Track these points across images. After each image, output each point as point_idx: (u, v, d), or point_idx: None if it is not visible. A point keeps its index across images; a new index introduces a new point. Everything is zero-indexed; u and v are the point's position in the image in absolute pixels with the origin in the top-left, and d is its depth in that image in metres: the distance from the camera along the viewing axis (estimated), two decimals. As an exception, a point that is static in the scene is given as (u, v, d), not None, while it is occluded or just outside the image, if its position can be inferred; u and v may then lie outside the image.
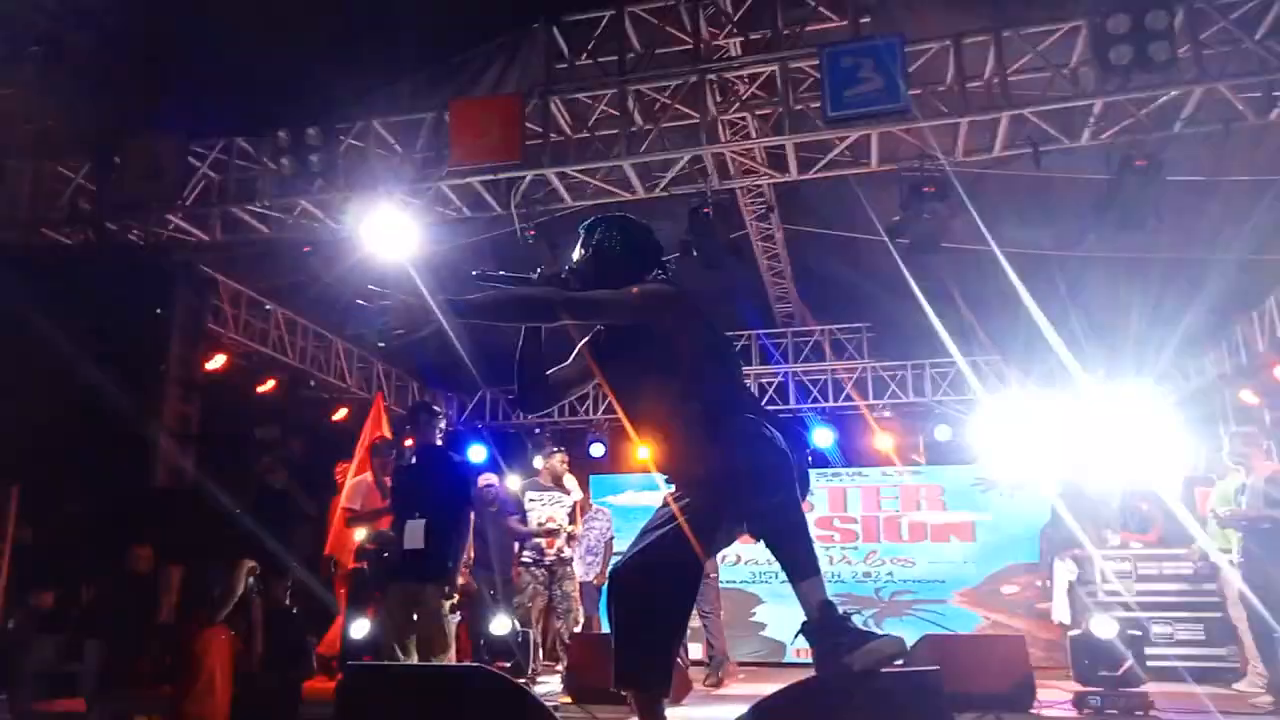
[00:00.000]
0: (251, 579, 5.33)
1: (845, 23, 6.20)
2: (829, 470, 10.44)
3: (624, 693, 2.88)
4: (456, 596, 5.15)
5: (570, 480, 7.77)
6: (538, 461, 10.61)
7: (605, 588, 2.97)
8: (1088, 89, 5.89)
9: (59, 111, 6.80)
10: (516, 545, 7.56)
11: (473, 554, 6.08)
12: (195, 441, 6.49)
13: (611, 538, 8.60)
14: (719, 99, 6.54)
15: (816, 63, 6.02)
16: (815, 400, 10.89)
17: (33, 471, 6.49)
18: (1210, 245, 7.30)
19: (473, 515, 5.53)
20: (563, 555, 7.37)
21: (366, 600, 6.58)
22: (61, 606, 7.76)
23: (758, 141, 6.60)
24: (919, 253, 6.48)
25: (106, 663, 6.17)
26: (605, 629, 5.65)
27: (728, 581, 10.01)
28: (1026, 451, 9.76)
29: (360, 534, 6.77)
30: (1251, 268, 7.46)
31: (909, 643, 2.97)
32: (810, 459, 2.83)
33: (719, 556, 7.67)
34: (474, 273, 2.86)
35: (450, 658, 5.08)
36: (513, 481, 9.26)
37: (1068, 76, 5.95)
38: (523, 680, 5.85)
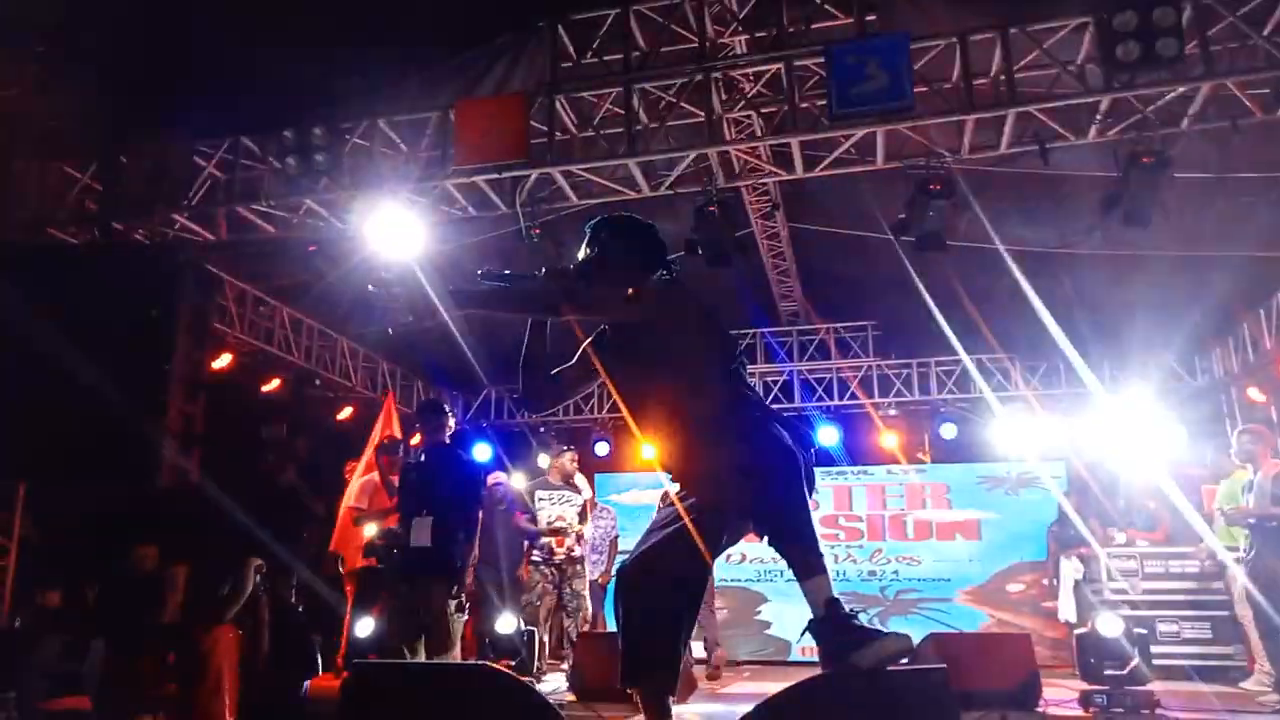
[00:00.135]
0: (258, 577, 5.33)
1: (850, 20, 6.18)
2: (834, 469, 10.42)
3: (630, 691, 2.88)
4: (464, 596, 5.16)
5: (580, 479, 7.78)
6: (542, 460, 10.63)
7: (612, 586, 2.98)
8: (1094, 86, 5.86)
9: (65, 112, 6.81)
10: (526, 544, 7.58)
11: (477, 553, 6.08)
12: (200, 441, 6.49)
13: (616, 536, 8.60)
14: (724, 97, 6.53)
15: (822, 61, 6.01)
16: (820, 399, 10.87)
17: (38, 471, 6.50)
18: (1217, 242, 7.27)
19: (481, 514, 5.54)
20: (573, 554, 7.37)
21: (373, 598, 6.58)
22: (67, 605, 7.79)
23: (763, 140, 6.59)
24: (924, 251, 6.46)
25: (111, 662, 6.18)
26: (611, 627, 5.64)
27: (733, 580, 10.03)
28: (1032, 450, 9.75)
29: (369, 531, 6.78)
30: (1258, 265, 7.43)
31: (914, 641, 2.96)
32: (815, 457, 2.82)
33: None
34: (479, 271, 2.86)
35: (455, 656, 5.08)
36: (517, 480, 9.27)
37: (1074, 73, 5.93)
38: (528, 679, 5.85)
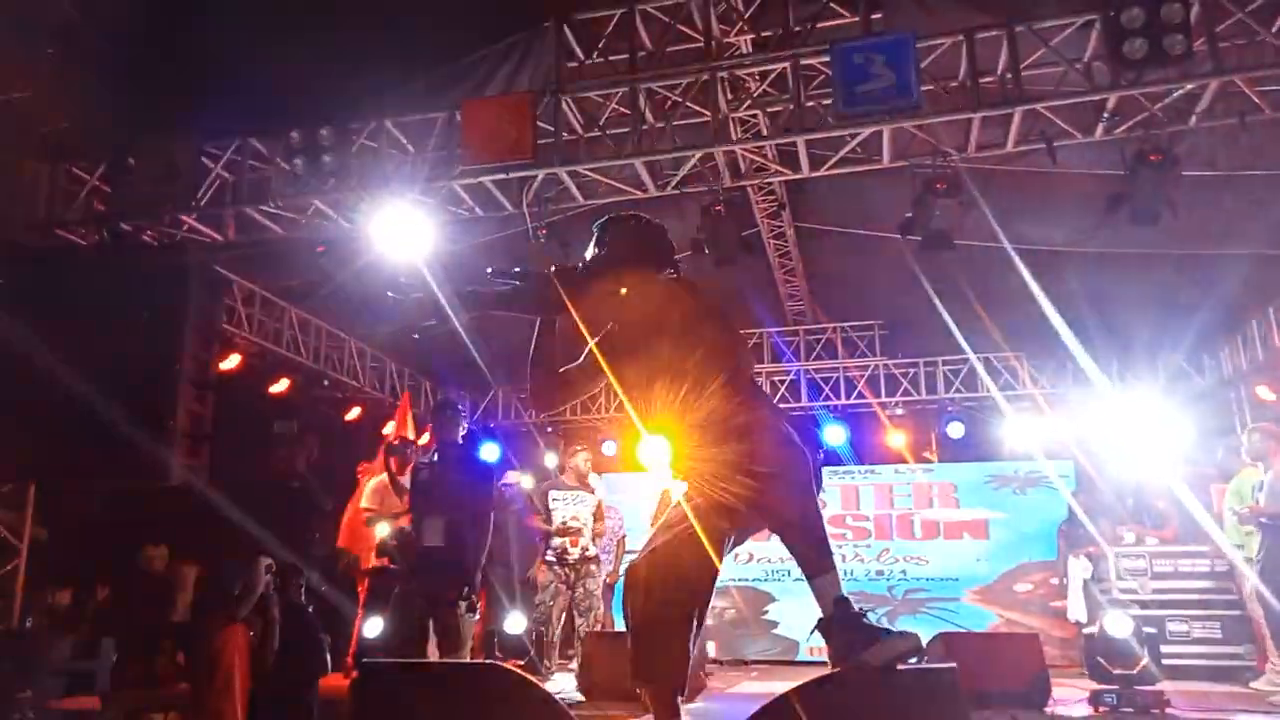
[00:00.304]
0: (269, 576, 5.35)
1: (856, 19, 6.17)
2: (841, 468, 10.41)
3: (639, 690, 2.89)
4: (475, 596, 5.17)
5: (594, 479, 7.81)
6: (549, 459, 10.66)
7: (620, 585, 2.98)
8: (1101, 83, 5.84)
9: (74, 113, 6.84)
10: (541, 544, 7.61)
11: (489, 553, 6.10)
12: (209, 441, 6.52)
13: (623, 536, 8.62)
14: (730, 96, 6.53)
15: (828, 60, 6.00)
16: (827, 398, 10.86)
17: (48, 471, 6.53)
18: (1225, 240, 7.25)
19: (493, 515, 5.54)
20: (587, 554, 7.40)
21: (385, 598, 6.61)
22: (78, 605, 7.83)
23: (769, 139, 6.59)
24: (931, 250, 6.45)
25: (122, 661, 6.21)
26: (619, 627, 5.65)
27: (740, 579, 10.03)
28: (1040, 449, 9.72)
29: (381, 530, 6.80)
30: (1267, 262, 7.40)
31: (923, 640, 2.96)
32: (823, 456, 2.83)
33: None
34: (488, 269, 2.87)
35: (465, 656, 5.09)
36: (526, 480, 9.29)
37: (1081, 71, 5.91)
38: (536, 678, 5.85)
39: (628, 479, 10.59)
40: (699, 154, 6.54)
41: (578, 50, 6.58)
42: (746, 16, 6.44)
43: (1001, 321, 8.71)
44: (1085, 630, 6.54)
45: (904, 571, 10.00)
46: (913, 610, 9.79)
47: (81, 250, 7.07)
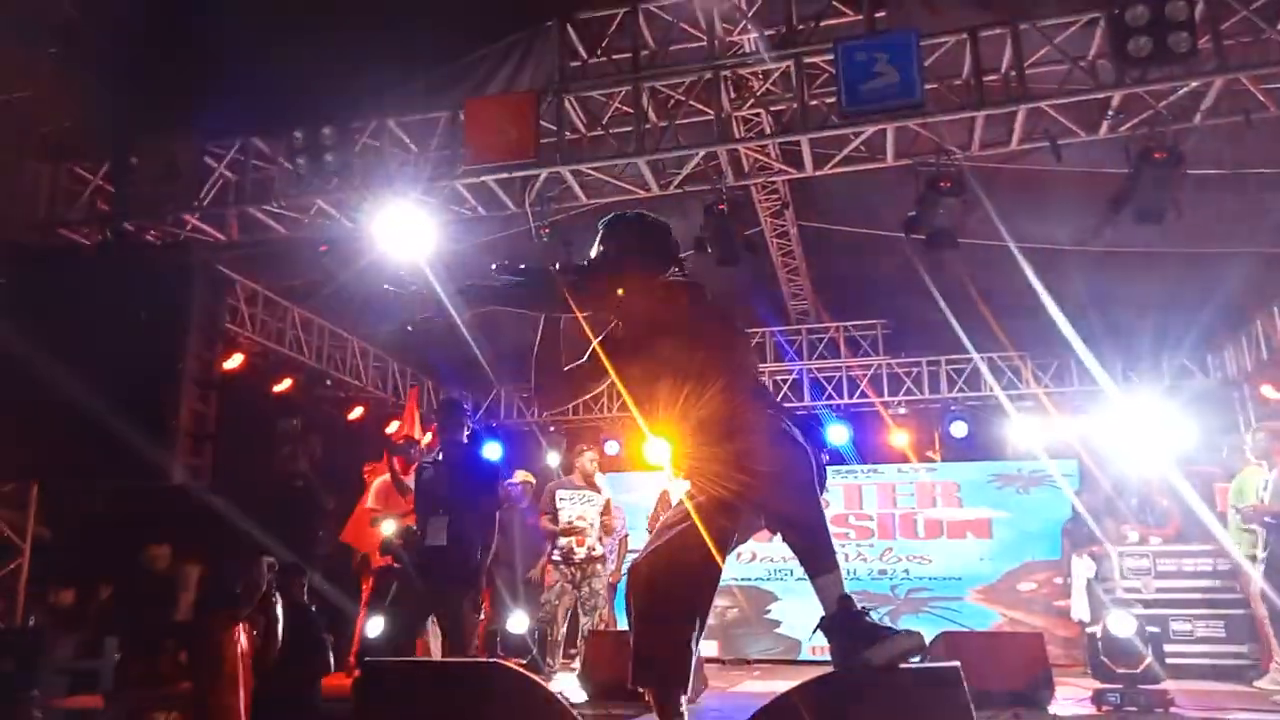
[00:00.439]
0: (271, 575, 5.36)
1: (860, 17, 6.16)
2: (844, 467, 10.40)
3: (641, 690, 2.88)
4: (480, 596, 5.17)
5: (601, 479, 7.81)
6: (552, 459, 10.66)
7: (623, 585, 2.97)
8: (1106, 81, 5.82)
9: (77, 113, 6.84)
10: (548, 544, 7.61)
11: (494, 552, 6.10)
12: (212, 440, 6.53)
13: (626, 535, 8.61)
14: (733, 95, 6.52)
15: (831, 58, 5.99)
16: (830, 397, 10.84)
17: (51, 470, 6.54)
18: (1229, 239, 7.23)
19: (498, 514, 5.54)
20: (593, 553, 7.40)
21: (388, 597, 6.62)
22: (81, 604, 7.83)
23: (772, 138, 6.58)
24: (935, 249, 6.44)
25: (125, 660, 6.21)
26: (622, 626, 5.63)
27: (743, 579, 10.02)
28: (1043, 448, 9.71)
29: (386, 529, 6.81)
30: (1271, 261, 7.38)
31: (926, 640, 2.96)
32: (828, 456, 2.82)
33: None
34: (492, 266, 2.87)
35: (470, 655, 5.09)
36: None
37: (1086, 69, 5.89)
38: (539, 677, 5.85)
39: (631, 478, 10.58)
40: (702, 153, 6.54)
41: (580, 49, 6.57)
42: (750, 15, 6.43)
43: (1005, 321, 8.70)
44: (1089, 629, 6.52)
45: (907, 571, 9.99)
46: (915, 609, 9.78)
47: (84, 250, 7.08)
